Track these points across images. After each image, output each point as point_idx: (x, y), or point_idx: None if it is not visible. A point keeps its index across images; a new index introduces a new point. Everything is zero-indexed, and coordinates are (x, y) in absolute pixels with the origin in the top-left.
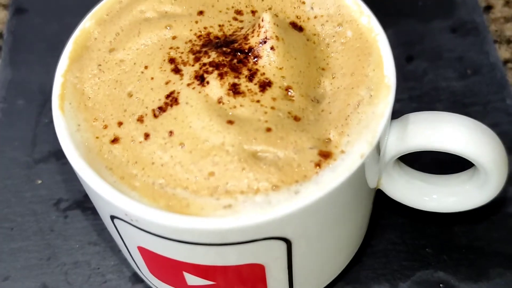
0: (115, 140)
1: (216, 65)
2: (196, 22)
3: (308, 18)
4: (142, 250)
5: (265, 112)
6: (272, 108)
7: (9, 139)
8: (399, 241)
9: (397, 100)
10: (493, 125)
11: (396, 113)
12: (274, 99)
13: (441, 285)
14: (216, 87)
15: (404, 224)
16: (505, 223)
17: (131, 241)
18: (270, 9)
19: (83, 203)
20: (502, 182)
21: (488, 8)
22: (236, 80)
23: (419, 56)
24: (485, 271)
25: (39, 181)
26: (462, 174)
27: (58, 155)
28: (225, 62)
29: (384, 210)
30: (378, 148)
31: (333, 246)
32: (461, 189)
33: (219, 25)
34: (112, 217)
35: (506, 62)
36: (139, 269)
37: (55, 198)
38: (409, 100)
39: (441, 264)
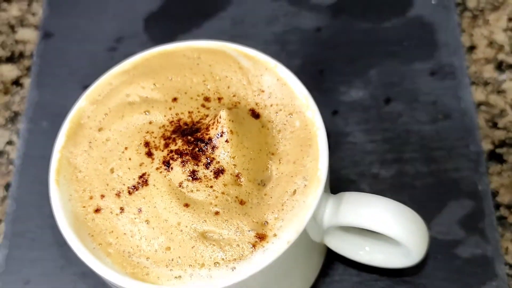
0: (97, 210)
1: (180, 153)
2: (170, 108)
3: (265, 105)
4: None
5: (216, 197)
6: (222, 193)
7: (34, 158)
8: (355, 279)
9: (371, 140)
10: (455, 170)
11: (370, 154)
12: (225, 184)
13: None
14: (178, 172)
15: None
16: (450, 264)
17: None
18: (234, 96)
19: None
20: (422, 254)
21: (472, 48)
22: (195, 167)
23: (397, 97)
24: None
25: None
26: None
27: None
28: (187, 151)
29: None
30: (308, 230)
31: None
32: (391, 250)
33: (189, 112)
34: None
35: (479, 104)
36: None
37: None
38: (382, 141)
39: None
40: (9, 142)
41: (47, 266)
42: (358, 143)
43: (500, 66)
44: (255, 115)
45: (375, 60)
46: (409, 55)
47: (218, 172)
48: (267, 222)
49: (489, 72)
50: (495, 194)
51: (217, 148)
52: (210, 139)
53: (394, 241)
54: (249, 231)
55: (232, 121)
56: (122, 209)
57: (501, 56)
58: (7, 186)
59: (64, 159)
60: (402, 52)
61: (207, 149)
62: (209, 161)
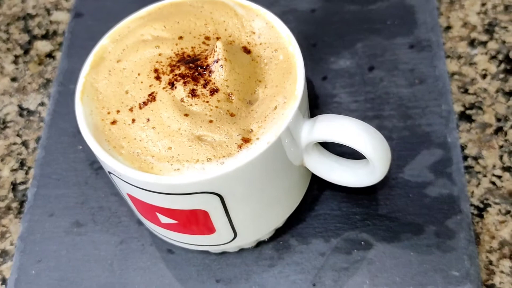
0: (113, 122)
1: (183, 76)
2: (176, 44)
3: (256, 44)
4: (129, 196)
5: (211, 109)
6: (216, 107)
7: (62, 114)
8: (336, 208)
9: (354, 101)
10: (427, 125)
11: (353, 111)
12: (218, 101)
13: (362, 242)
14: (180, 91)
15: (343, 196)
16: (420, 201)
17: (123, 189)
18: (230, 36)
19: None
20: (385, 170)
21: (448, 28)
22: (194, 87)
23: (379, 66)
24: (397, 235)
25: (80, 147)
26: (360, 161)
27: None
28: (189, 74)
29: (328, 183)
30: (285, 137)
31: (261, 202)
32: (359, 171)
33: (192, 47)
34: (109, 172)
35: (453, 74)
36: (133, 210)
37: (90, 160)
38: (365, 101)
39: (365, 228)
40: (41, 104)
41: (69, 202)
42: (343, 103)
43: (473, 43)
44: (247, 51)
45: (361, 36)
46: (391, 32)
47: (213, 91)
48: (252, 130)
49: (462, 48)
50: (463, 147)
51: (213, 72)
52: (208, 65)
53: (361, 162)
54: (236, 135)
55: (226, 51)
56: (133, 120)
57: (473, 35)
58: (37, 139)
59: (88, 83)
60: (385, 30)
61: (205, 73)
62: (206, 82)
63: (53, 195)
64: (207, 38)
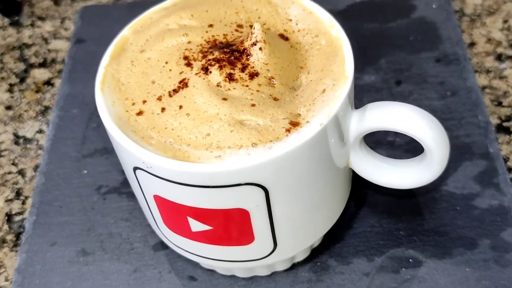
0: (139, 113)
1: (217, 60)
2: (207, 32)
3: (293, 31)
4: (157, 198)
5: (252, 93)
6: (257, 91)
7: (63, 139)
8: (377, 224)
9: None
10: (466, 136)
11: None
12: (259, 85)
13: (410, 260)
14: (216, 75)
15: (383, 212)
16: (468, 214)
17: (149, 191)
18: (264, 24)
19: (119, 189)
20: (444, 161)
21: (472, 44)
22: (231, 71)
23: (407, 80)
24: (449, 251)
25: (85, 171)
26: (415, 158)
27: (102, 152)
28: (224, 58)
29: (365, 199)
30: (337, 122)
31: (306, 202)
32: (412, 169)
33: (224, 34)
34: (135, 169)
35: (484, 88)
36: (156, 223)
37: (97, 184)
38: None
39: (411, 244)
40: (39, 131)
41: (74, 229)
42: None
43: (500, 57)
44: (284, 38)
45: (384, 51)
46: (415, 47)
47: (253, 75)
48: (299, 114)
49: (490, 62)
50: (506, 160)
51: (251, 55)
52: (244, 49)
53: (412, 160)
54: (283, 119)
55: (265, 33)
56: (163, 109)
57: (500, 50)
58: (36, 168)
59: (108, 73)
60: (408, 45)
61: (242, 57)
62: (244, 66)
63: (55, 222)
64: (240, 26)
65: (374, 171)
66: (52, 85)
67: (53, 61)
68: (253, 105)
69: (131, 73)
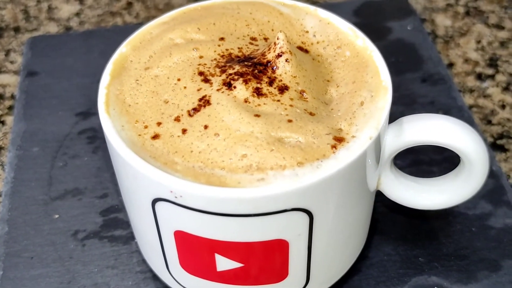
0: (155, 137)
1: (240, 74)
2: (219, 45)
3: (312, 43)
4: (178, 235)
5: (285, 109)
6: (291, 105)
7: (26, 181)
8: (393, 252)
9: None
10: None
11: None
12: (291, 99)
13: (435, 287)
14: (242, 90)
15: (397, 238)
16: (485, 234)
17: (169, 227)
18: None
19: (100, 233)
20: (485, 172)
21: (451, 65)
22: (258, 85)
23: (396, 101)
24: (473, 274)
25: (56, 216)
26: (448, 174)
27: (74, 192)
28: (248, 72)
29: (375, 226)
30: (383, 134)
31: (347, 226)
32: (449, 186)
33: (238, 48)
34: (154, 201)
35: (471, 107)
36: (167, 266)
37: (72, 229)
38: None
39: (433, 270)
40: None
41: (51, 283)
42: None
43: (480, 77)
44: (304, 50)
45: None
46: (398, 68)
47: (283, 89)
48: (341, 129)
49: (471, 82)
50: (507, 177)
51: (277, 68)
52: (268, 61)
53: (446, 177)
54: (326, 134)
55: (290, 43)
56: (184, 130)
57: (478, 69)
58: None
59: (111, 94)
60: (392, 66)
61: (266, 70)
62: (271, 79)
63: (27, 277)
64: (253, 38)
65: (408, 192)
66: (3, 122)
67: (1, 97)
68: (289, 120)
69: (137, 93)
